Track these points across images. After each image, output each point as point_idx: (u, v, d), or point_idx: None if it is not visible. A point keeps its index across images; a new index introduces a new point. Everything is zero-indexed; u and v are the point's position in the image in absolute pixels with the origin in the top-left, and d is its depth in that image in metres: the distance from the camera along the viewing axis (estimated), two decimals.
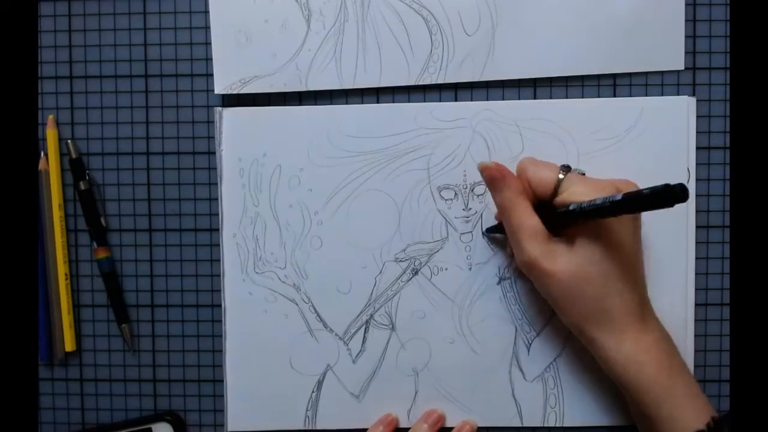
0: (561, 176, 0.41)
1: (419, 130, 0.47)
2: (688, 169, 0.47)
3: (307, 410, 0.48)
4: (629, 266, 0.40)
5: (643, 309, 0.41)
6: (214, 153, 0.48)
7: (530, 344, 0.48)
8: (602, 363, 0.42)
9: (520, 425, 0.48)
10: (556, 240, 0.41)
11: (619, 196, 0.36)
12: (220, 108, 0.48)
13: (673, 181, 0.46)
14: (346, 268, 0.48)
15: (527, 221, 0.41)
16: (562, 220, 0.41)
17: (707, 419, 0.40)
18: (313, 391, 0.48)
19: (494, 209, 0.47)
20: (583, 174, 0.42)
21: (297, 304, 0.48)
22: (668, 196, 0.33)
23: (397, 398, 0.48)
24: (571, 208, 0.39)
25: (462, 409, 0.48)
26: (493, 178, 0.42)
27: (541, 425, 0.48)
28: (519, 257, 0.42)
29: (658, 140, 0.47)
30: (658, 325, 0.42)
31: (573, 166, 0.43)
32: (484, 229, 0.47)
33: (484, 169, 0.42)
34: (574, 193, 0.40)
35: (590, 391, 0.47)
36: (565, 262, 0.40)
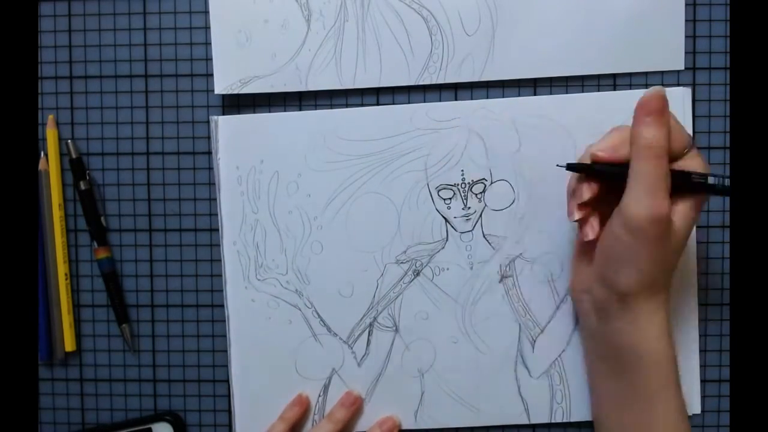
0: (693, 143, 0.40)
1: (415, 131, 0.47)
2: None
3: (314, 414, 0.48)
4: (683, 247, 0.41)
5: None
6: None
7: (534, 341, 0.48)
8: (627, 331, 0.41)
9: (527, 422, 0.48)
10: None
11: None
12: (215, 117, 0.48)
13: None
14: (347, 271, 0.48)
15: (666, 171, 0.38)
16: (693, 182, 0.39)
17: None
18: (319, 396, 0.48)
19: (494, 205, 0.47)
20: None
21: (300, 310, 0.48)
22: None
23: (404, 400, 0.48)
24: (696, 178, 0.39)
25: (468, 409, 0.48)
26: (660, 111, 0.38)
27: (549, 422, 0.48)
28: (648, 207, 0.37)
29: None
30: None
31: None
32: (565, 164, 0.42)
33: (655, 98, 0.39)
34: (692, 165, 0.39)
35: None
36: (679, 220, 0.39)
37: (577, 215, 0.41)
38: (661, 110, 0.38)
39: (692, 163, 0.40)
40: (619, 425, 0.43)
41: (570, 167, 0.41)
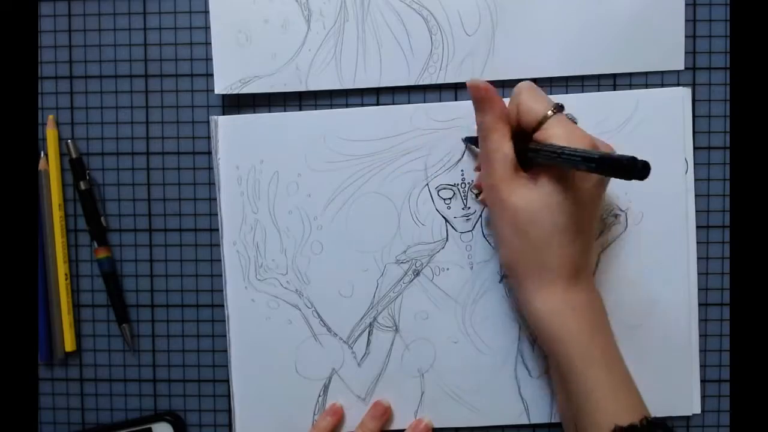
0: (549, 113, 0.40)
1: (415, 131, 0.47)
2: (685, 159, 0.47)
3: (314, 414, 0.48)
4: (580, 222, 0.40)
5: (580, 268, 0.41)
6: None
7: (534, 341, 0.48)
8: (525, 311, 0.42)
9: (527, 422, 0.48)
10: (522, 174, 0.41)
11: (580, 152, 0.36)
12: (215, 117, 0.48)
13: (670, 172, 0.47)
14: (347, 271, 0.48)
15: (502, 147, 0.41)
16: (531, 155, 0.40)
17: (627, 391, 0.39)
18: (319, 395, 0.48)
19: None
20: (574, 121, 0.41)
21: (300, 310, 0.48)
22: (628, 168, 0.33)
23: (404, 399, 0.48)
24: (541, 148, 0.39)
25: (468, 409, 0.48)
26: (481, 98, 0.41)
27: (549, 422, 0.48)
28: (485, 178, 0.42)
29: (654, 132, 0.47)
30: (591, 288, 0.42)
31: (567, 111, 0.41)
32: (464, 137, 0.47)
33: (472, 87, 0.42)
34: (553, 135, 0.39)
35: None
36: (522, 196, 0.40)
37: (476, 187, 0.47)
38: (477, 99, 0.42)
39: (548, 133, 0.39)
40: (561, 395, 0.44)
41: (467, 139, 0.47)
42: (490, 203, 0.42)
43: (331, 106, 0.48)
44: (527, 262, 0.41)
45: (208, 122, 0.48)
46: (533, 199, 0.39)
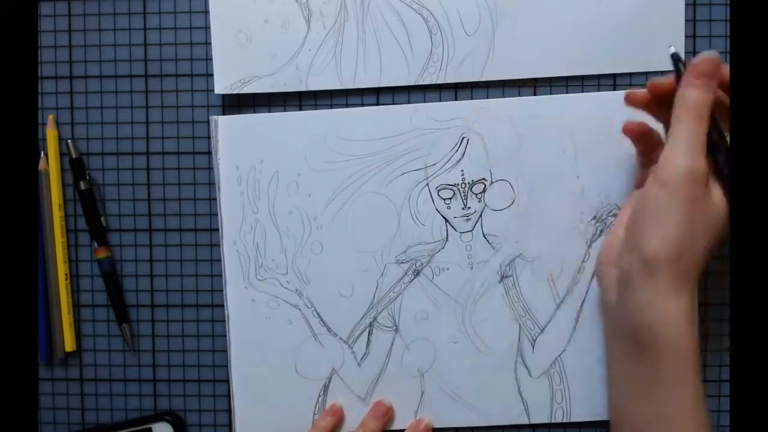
0: None
1: (415, 131, 0.47)
2: None
3: (314, 414, 0.48)
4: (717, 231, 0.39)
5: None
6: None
7: (534, 341, 0.48)
8: (653, 310, 0.39)
9: (527, 422, 0.48)
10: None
11: None
12: (215, 117, 0.48)
13: None
14: (347, 271, 0.48)
15: (705, 135, 0.38)
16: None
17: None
18: (319, 395, 0.48)
19: (494, 205, 0.47)
20: None
21: (300, 310, 0.48)
22: None
23: (404, 399, 0.48)
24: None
25: (468, 409, 0.48)
26: (709, 74, 0.38)
27: (549, 422, 0.48)
28: (685, 162, 0.38)
29: None
30: None
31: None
32: (673, 52, 0.41)
33: (707, 61, 0.38)
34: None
35: (596, 385, 0.47)
36: (720, 194, 0.38)
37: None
38: (708, 74, 0.38)
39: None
40: (633, 413, 0.41)
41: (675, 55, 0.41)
42: (682, 192, 0.38)
43: (331, 106, 0.48)
44: (689, 259, 0.38)
45: (208, 122, 0.48)
46: (724, 198, 0.38)
